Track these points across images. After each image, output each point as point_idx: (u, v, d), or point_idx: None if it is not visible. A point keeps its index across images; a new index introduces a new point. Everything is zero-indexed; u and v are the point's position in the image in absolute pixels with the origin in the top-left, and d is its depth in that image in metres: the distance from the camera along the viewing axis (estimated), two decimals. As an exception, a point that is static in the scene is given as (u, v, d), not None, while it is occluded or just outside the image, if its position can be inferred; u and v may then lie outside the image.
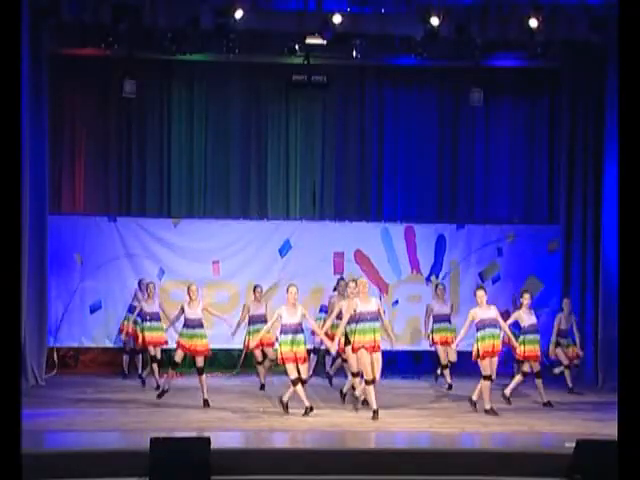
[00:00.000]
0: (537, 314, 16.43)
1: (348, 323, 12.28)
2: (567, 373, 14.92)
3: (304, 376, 12.45)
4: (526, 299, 13.56)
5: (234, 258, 16.84)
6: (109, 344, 16.51)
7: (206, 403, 12.95)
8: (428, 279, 17.07)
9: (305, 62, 16.17)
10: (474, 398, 12.96)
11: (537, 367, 13.58)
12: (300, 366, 12.32)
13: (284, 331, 12.30)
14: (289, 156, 17.86)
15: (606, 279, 15.13)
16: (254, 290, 14.79)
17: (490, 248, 17.20)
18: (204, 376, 13.05)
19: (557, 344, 14.86)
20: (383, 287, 16.98)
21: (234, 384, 14.77)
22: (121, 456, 9.80)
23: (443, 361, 15.18)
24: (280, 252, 16.94)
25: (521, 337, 13.42)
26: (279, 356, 12.40)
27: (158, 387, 13.99)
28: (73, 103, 17.31)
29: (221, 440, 10.58)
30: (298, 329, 12.31)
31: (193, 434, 10.54)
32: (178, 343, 13.11)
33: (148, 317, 14.70)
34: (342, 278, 15.00)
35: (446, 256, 17.18)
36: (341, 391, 13.56)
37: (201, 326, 13.06)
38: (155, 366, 14.67)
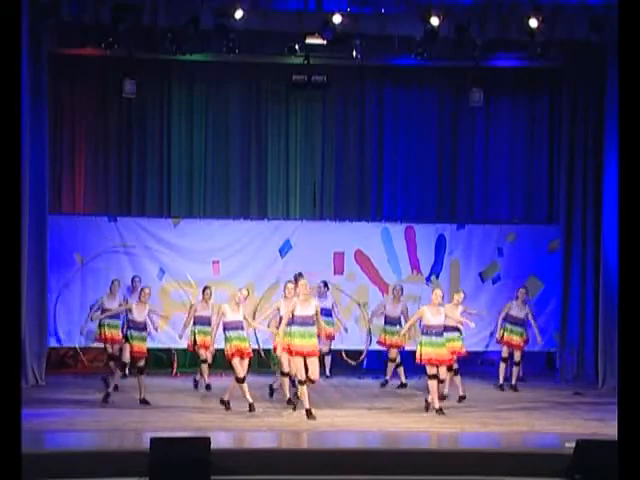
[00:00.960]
0: (538, 314, 16.61)
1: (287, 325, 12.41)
2: (515, 370, 14.86)
3: (244, 374, 12.53)
4: (459, 297, 13.51)
5: (234, 258, 16.83)
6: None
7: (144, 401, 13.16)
8: (428, 279, 17.07)
9: (305, 62, 16.16)
10: (428, 400, 12.86)
11: (454, 365, 13.42)
12: (244, 360, 12.53)
13: (229, 328, 12.50)
14: (289, 156, 17.86)
15: (606, 279, 15.12)
16: (203, 291, 14.67)
17: (490, 248, 17.18)
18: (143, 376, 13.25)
19: (504, 329, 14.81)
20: (383, 287, 16.96)
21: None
22: (121, 456, 9.81)
23: (392, 355, 15.18)
24: (280, 252, 16.93)
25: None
26: (228, 352, 12.53)
27: (116, 387, 14.09)
28: (73, 103, 17.30)
29: (221, 440, 10.60)
30: (240, 326, 12.54)
31: (193, 434, 10.54)
32: (128, 347, 13.19)
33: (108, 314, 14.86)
34: (290, 280, 14.68)
35: (446, 256, 17.17)
36: (270, 386, 13.70)
37: (145, 329, 13.23)
38: (112, 364, 14.79)
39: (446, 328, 12.78)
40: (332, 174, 17.88)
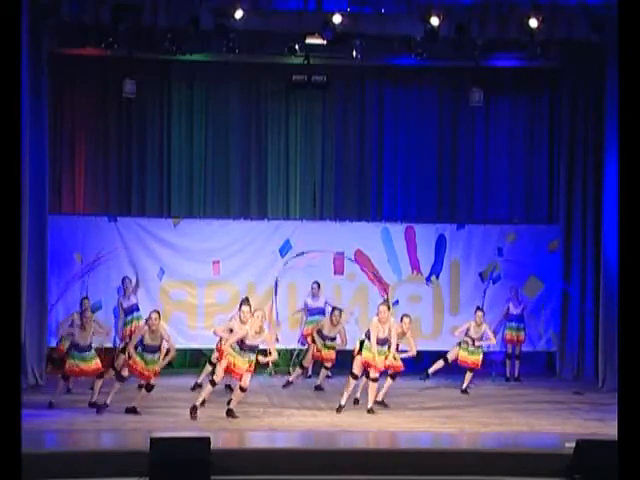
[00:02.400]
0: (538, 314, 16.63)
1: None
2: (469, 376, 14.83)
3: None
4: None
5: (234, 258, 16.81)
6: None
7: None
8: (428, 279, 17.06)
9: (305, 62, 16.16)
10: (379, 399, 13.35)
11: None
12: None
13: (145, 350, 12.60)
14: (289, 156, 17.85)
15: (606, 279, 15.13)
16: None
17: (490, 248, 17.18)
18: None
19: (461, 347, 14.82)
20: (383, 287, 16.96)
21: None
22: (121, 456, 9.82)
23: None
24: (280, 252, 16.93)
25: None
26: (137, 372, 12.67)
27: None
28: (73, 103, 17.28)
29: (221, 440, 10.60)
30: (155, 349, 12.59)
31: (193, 434, 10.54)
32: (68, 368, 13.23)
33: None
34: (246, 299, 13.84)
35: (446, 256, 17.16)
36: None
37: (90, 349, 13.25)
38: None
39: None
40: (332, 174, 17.87)
